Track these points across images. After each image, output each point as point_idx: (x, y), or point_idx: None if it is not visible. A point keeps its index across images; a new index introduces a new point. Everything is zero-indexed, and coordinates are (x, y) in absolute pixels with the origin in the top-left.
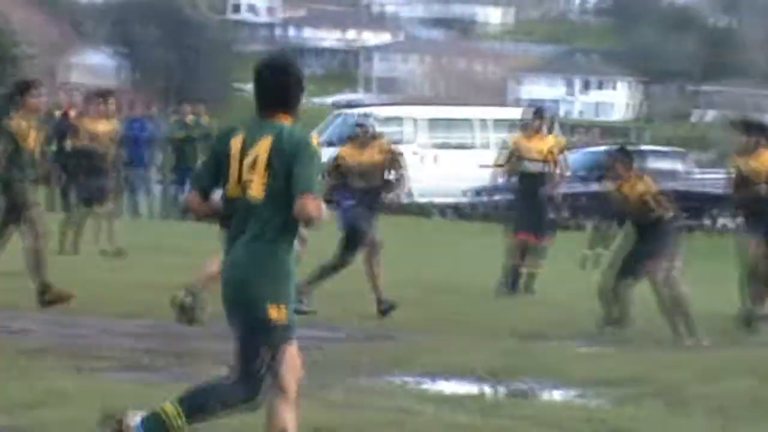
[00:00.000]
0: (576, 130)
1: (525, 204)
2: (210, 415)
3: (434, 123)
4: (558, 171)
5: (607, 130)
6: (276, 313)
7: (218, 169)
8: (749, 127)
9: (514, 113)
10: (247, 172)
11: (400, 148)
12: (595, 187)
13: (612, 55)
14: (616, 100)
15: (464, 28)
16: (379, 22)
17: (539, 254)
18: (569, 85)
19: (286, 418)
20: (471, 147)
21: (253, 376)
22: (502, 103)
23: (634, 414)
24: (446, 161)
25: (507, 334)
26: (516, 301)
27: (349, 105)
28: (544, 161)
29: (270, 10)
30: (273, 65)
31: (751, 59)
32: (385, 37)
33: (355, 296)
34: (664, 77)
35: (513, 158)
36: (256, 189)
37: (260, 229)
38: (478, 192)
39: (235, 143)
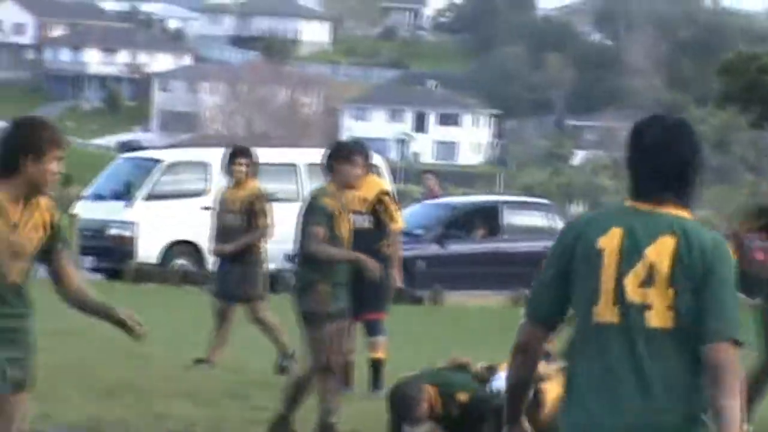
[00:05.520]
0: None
1: None
2: None
3: None
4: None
5: (453, 176)
6: None
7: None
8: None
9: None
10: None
11: None
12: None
13: (455, 81)
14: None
15: (270, 47)
16: (165, 42)
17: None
18: (400, 120)
19: None
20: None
21: None
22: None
23: None
24: None
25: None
26: None
27: (131, 147)
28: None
29: (18, 27)
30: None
31: (629, 86)
32: (170, 61)
33: None
34: (524, 109)
35: None
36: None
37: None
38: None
39: (609, 241)
